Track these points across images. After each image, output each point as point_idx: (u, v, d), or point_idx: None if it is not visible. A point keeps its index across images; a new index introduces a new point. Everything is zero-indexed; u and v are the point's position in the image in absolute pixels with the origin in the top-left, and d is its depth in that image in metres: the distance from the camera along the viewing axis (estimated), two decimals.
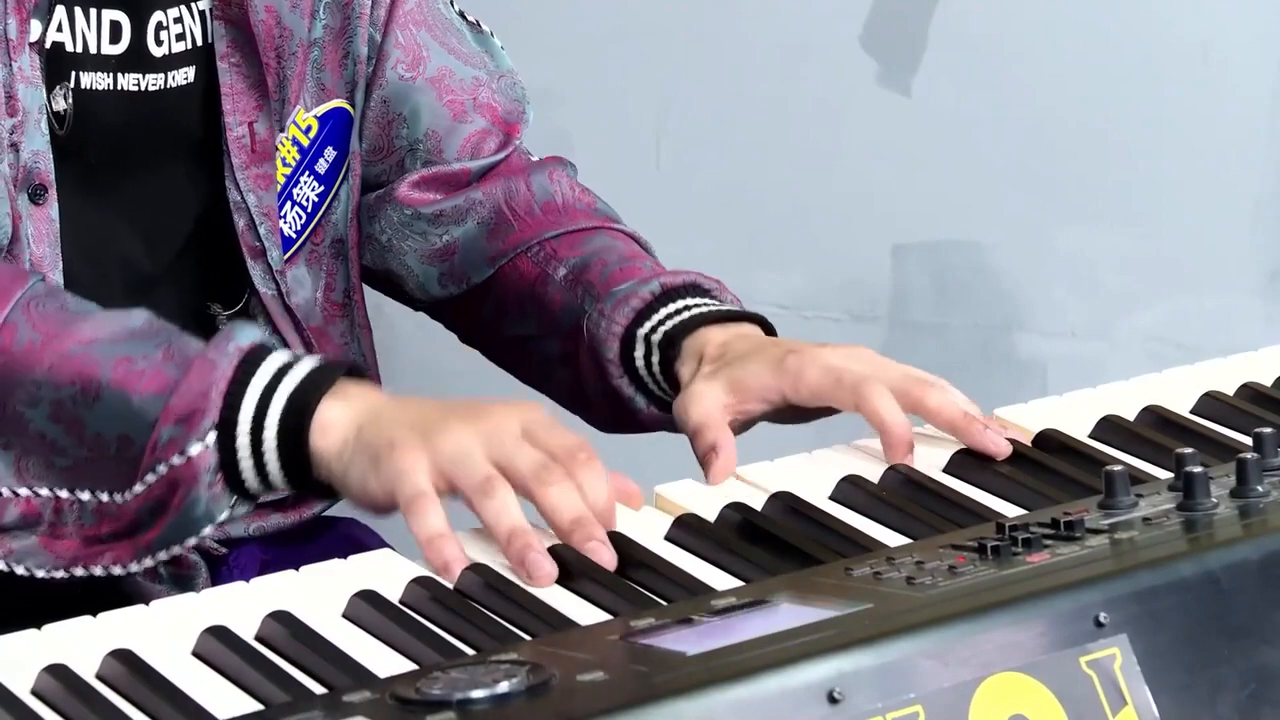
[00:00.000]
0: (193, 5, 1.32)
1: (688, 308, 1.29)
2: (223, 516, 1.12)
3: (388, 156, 1.43)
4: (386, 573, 1.05)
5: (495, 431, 1.09)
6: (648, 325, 1.29)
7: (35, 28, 1.25)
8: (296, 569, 1.06)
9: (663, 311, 1.30)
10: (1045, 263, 2.32)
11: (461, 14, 1.47)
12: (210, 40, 1.33)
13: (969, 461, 1.19)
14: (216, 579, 1.34)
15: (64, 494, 1.15)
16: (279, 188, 1.37)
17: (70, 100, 1.27)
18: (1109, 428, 1.23)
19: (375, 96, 1.42)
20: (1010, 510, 1.13)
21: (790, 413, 1.24)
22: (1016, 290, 2.34)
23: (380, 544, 1.30)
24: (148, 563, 1.13)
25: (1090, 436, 1.23)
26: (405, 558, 1.07)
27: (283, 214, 1.38)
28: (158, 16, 1.30)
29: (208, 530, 1.12)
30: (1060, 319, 2.33)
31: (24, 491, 1.15)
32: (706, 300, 1.31)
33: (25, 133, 1.25)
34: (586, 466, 1.09)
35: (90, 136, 1.29)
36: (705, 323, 1.27)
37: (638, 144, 2.37)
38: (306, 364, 1.13)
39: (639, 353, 1.30)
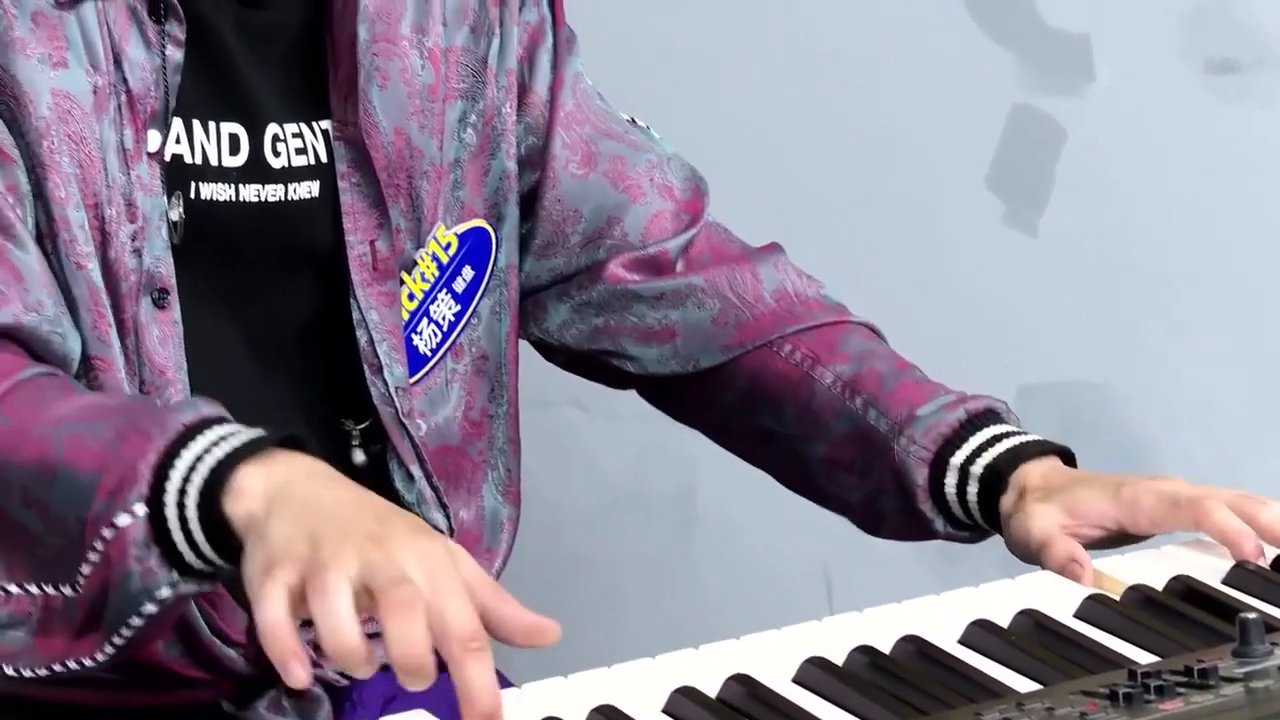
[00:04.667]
0: (314, 125, 1.35)
1: (998, 438, 1.33)
2: (164, 593, 1.08)
3: (564, 250, 1.45)
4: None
5: (383, 568, 0.99)
6: (961, 455, 1.33)
7: (154, 138, 1.28)
8: (423, 702, 1.05)
9: (974, 441, 1.33)
10: (1172, 404, 2.30)
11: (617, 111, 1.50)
12: (332, 159, 1.35)
13: (1100, 607, 1.18)
14: (339, 712, 1.34)
15: (51, 590, 1.11)
16: (416, 304, 1.39)
17: (184, 210, 1.29)
18: (1242, 574, 1.22)
19: (547, 198, 1.44)
20: (1142, 657, 1.12)
21: (1115, 539, 1.27)
22: (1143, 431, 2.32)
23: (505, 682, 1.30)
24: (109, 650, 1.09)
25: (1223, 583, 1.21)
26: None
27: (419, 331, 1.39)
28: (273, 129, 1.33)
29: (151, 608, 1.08)
30: (1188, 461, 2.30)
31: (14, 589, 1.13)
32: (1010, 429, 1.34)
33: (147, 238, 1.27)
34: (474, 655, 0.98)
35: (212, 245, 1.31)
36: (1026, 457, 1.30)
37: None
38: (243, 435, 1.09)
39: (951, 480, 1.33)
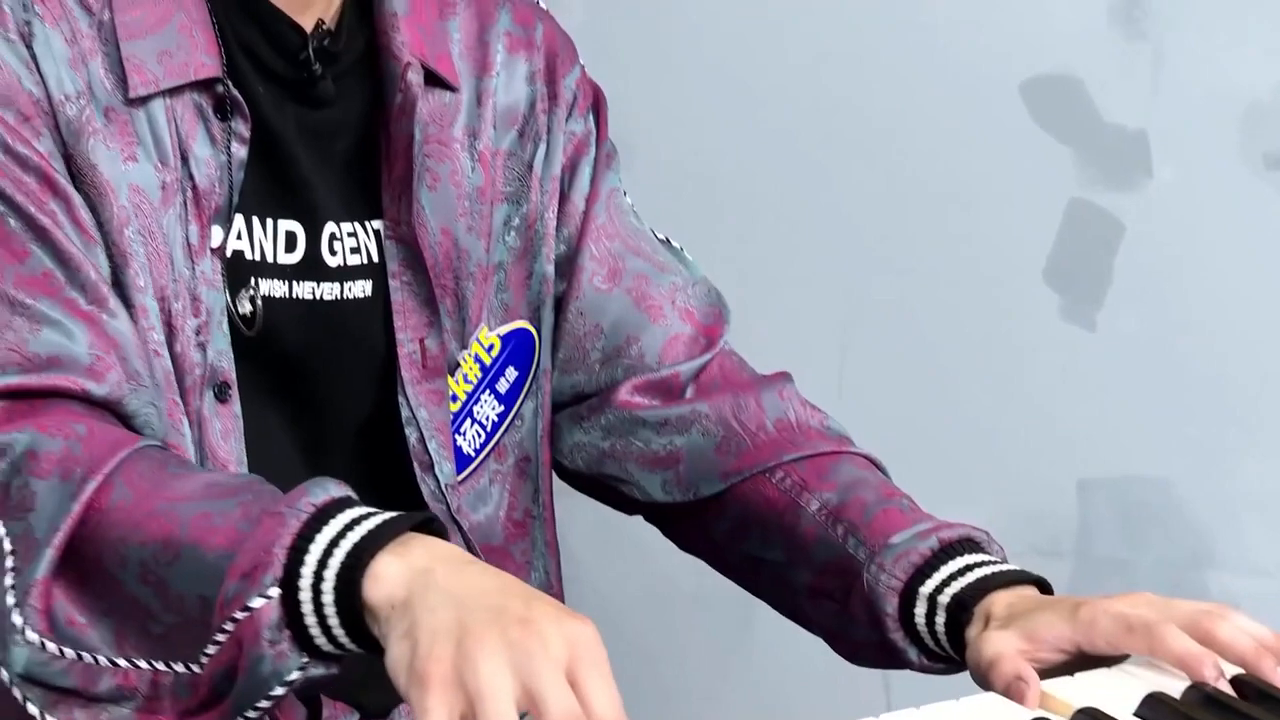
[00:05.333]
0: (368, 224, 1.36)
1: (969, 568, 1.30)
2: (293, 676, 1.08)
3: (584, 366, 1.46)
4: None
5: (535, 654, 1.01)
6: (930, 584, 1.30)
7: (216, 234, 1.30)
8: None
9: (945, 570, 1.31)
10: (1235, 498, 2.29)
11: (651, 229, 1.51)
12: (384, 258, 1.36)
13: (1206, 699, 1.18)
14: None
15: (161, 666, 1.12)
16: (460, 404, 1.40)
17: (254, 304, 1.31)
18: (1197, 694, 1.19)
19: (571, 309, 1.45)
20: None
21: (1077, 662, 1.24)
22: (1205, 526, 2.31)
23: None
24: None
25: (1181, 702, 1.19)
26: None
27: (462, 431, 1.40)
28: (330, 228, 1.35)
29: (279, 690, 1.08)
30: (1252, 556, 2.28)
31: (122, 663, 1.13)
32: (984, 557, 1.32)
33: (210, 333, 1.29)
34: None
35: (266, 340, 1.32)
36: (994, 587, 1.28)
37: (820, 369, 2.38)
38: (377, 518, 1.09)
39: (920, 609, 1.30)
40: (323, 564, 1.07)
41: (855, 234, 2.39)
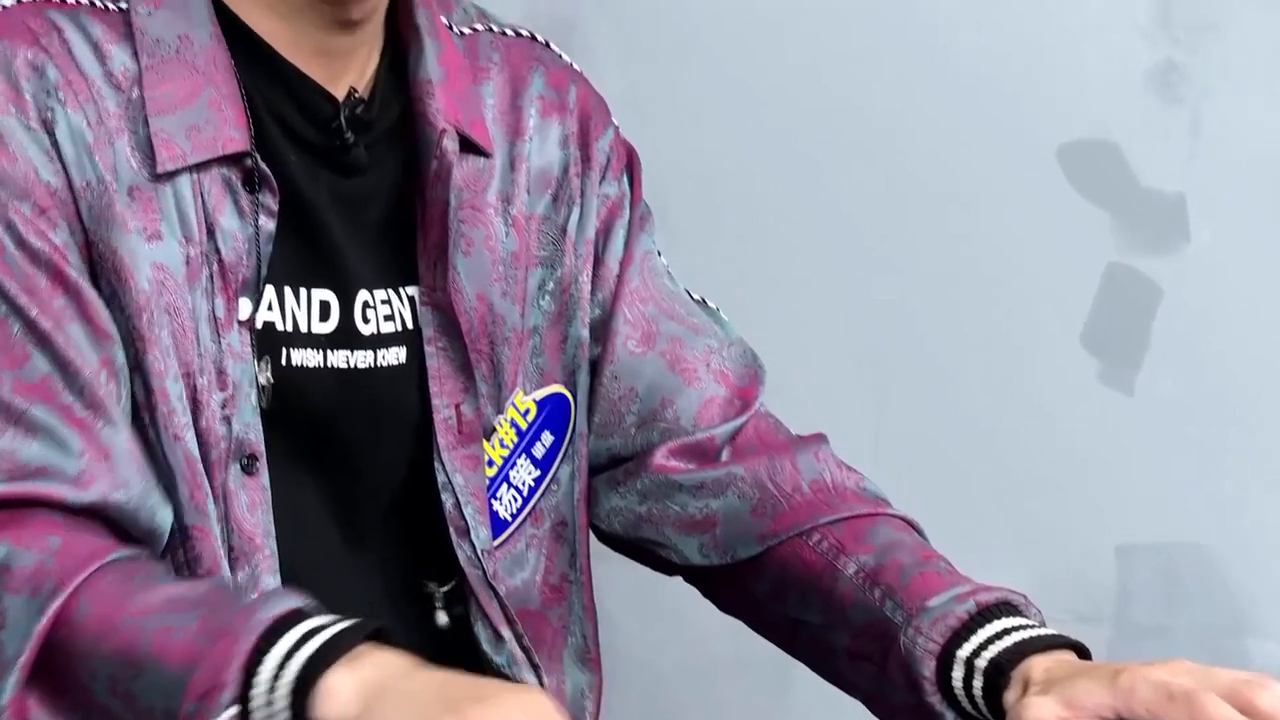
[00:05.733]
0: (401, 290, 1.36)
1: (1007, 631, 1.30)
2: None
3: (620, 430, 1.46)
4: None
5: None
6: (968, 648, 1.29)
7: (244, 306, 1.30)
8: None
9: (982, 634, 1.30)
10: (1275, 563, 2.28)
11: (687, 291, 1.51)
12: (419, 325, 1.36)
13: None
14: None
15: None
16: (496, 469, 1.40)
17: (273, 375, 1.31)
18: None
19: (605, 373, 1.45)
20: None
21: None
22: (1246, 592, 2.29)
23: None
24: None
25: None
26: None
27: (499, 496, 1.40)
28: (363, 296, 1.35)
29: None
30: None
31: None
32: (1022, 621, 1.31)
33: (236, 406, 1.29)
34: None
35: (300, 411, 1.32)
36: (1032, 651, 1.27)
37: (857, 430, 2.38)
38: (330, 630, 1.11)
39: (957, 673, 1.29)
40: (275, 682, 1.10)
41: (892, 295, 2.39)
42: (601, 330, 1.45)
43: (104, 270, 1.26)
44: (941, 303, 2.37)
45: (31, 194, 1.25)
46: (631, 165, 1.50)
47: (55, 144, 1.26)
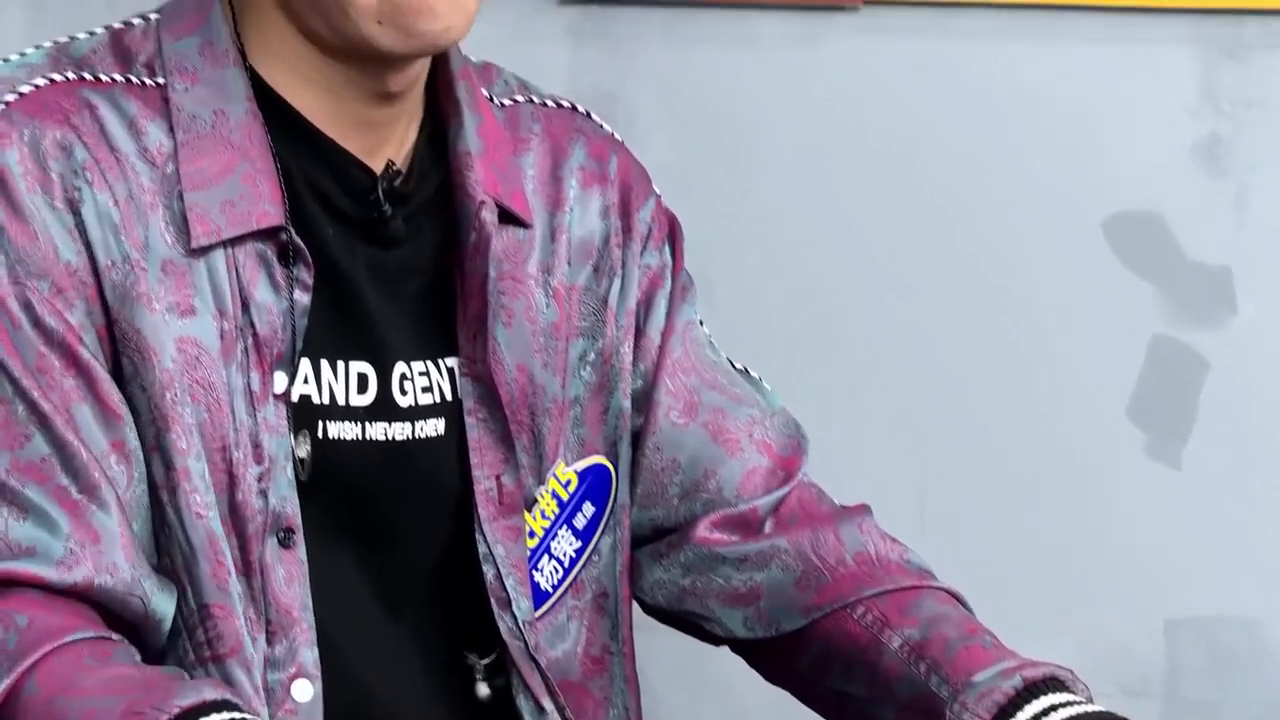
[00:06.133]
0: (440, 362, 1.36)
1: (1054, 708, 1.28)
2: None
3: (662, 501, 1.45)
4: None
5: None
6: None
7: (280, 380, 1.29)
8: None
9: (1029, 710, 1.28)
10: None
11: (729, 360, 1.50)
12: (458, 396, 1.36)
13: None
14: None
15: None
16: (537, 541, 1.39)
17: (310, 449, 1.31)
18: None
19: (648, 444, 1.44)
20: None
21: None
22: None
23: None
24: None
25: None
26: None
27: (540, 567, 1.39)
28: (400, 368, 1.34)
29: None
30: None
31: None
32: (1070, 697, 1.29)
33: (273, 479, 1.29)
34: None
35: (338, 484, 1.32)
36: None
37: (900, 509, 2.37)
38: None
39: None
40: None
41: (938, 367, 2.38)
42: (643, 401, 1.45)
43: (126, 349, 1.26)
44: (988, 375, 2.36)
45: (50, 273, 1.25)
46: (674, 235, 1.49)
47: (80, 223, 1.26)
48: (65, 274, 1.25)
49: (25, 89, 1.28)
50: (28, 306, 1.24)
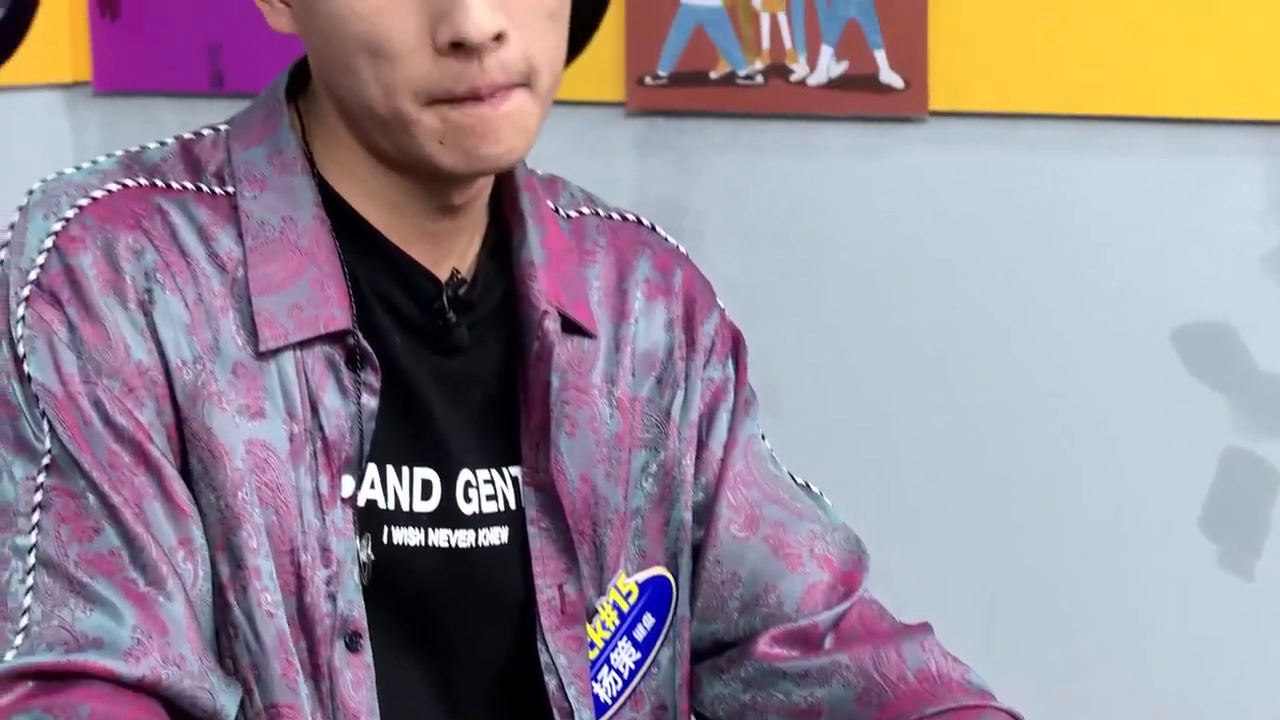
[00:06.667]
0: (504, 470, 1.36)
1: None
2: None
3: (722, 615, 1.44)
4: None
5: None
6: None
7: (347, 484, 1.30)
8: None
9: None
10: None
11: (790, 475, 1.50)
12: (522, 505, 1.36)
13: None
14: None
15: None
16: (597, 652, 1.39)
17: (373, 553, 1.31)
18: None
19: (708, 557, 1.43)
20: None
21: None
22: None
23: None
24: None
25: None
26: None
27: (599, 679, 1.39)
28: (465, 476, 1.35)
29: None
30: None
31: None
32: None
33: (340, 583, 1.29)
34: None
35: (401, 589, 1.32)
36: None
37: (969, 620, 2.36)
38: None
39: None
40: None
41: (1006, 478, 2.38)
42: (704, 514, 1.44)
43: (195, 448, 1.27)
44: (1057, 486, 2.35)
45: (121, 373, 1.26)
46: (737, 349, 1.49)
47: (152, 324, 1.27)
48: (136, 373, 1.26)
49: (98, 193, 1.30)
50: (98, 405, 1.25)
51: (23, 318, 1.26)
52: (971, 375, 2.39)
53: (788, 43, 2.43)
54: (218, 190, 1.32)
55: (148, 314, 1.27)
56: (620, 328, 1.43)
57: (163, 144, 1.35)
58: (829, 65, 2.41)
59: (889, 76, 2.38)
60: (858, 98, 2.40)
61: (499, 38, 1.24)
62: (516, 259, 1.38)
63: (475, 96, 1.25)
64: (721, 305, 1.50)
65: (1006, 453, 2.38)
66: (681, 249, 1.50)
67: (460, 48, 1.23)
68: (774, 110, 2.45)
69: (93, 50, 2.96)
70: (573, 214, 1.46)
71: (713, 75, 2.48)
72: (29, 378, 1.25)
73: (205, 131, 1.36)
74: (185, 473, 1.28)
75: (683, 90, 2.49)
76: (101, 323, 1.26)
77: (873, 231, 2.42)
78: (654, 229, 1.50)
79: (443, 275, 1.35)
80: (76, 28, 2.96)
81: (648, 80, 2.50)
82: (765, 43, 2.44)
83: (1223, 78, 2.22)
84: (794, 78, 2.43)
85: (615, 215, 1.48)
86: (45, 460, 1.25)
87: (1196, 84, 2.23)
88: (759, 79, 2.45)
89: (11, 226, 1.30)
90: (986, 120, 2.34)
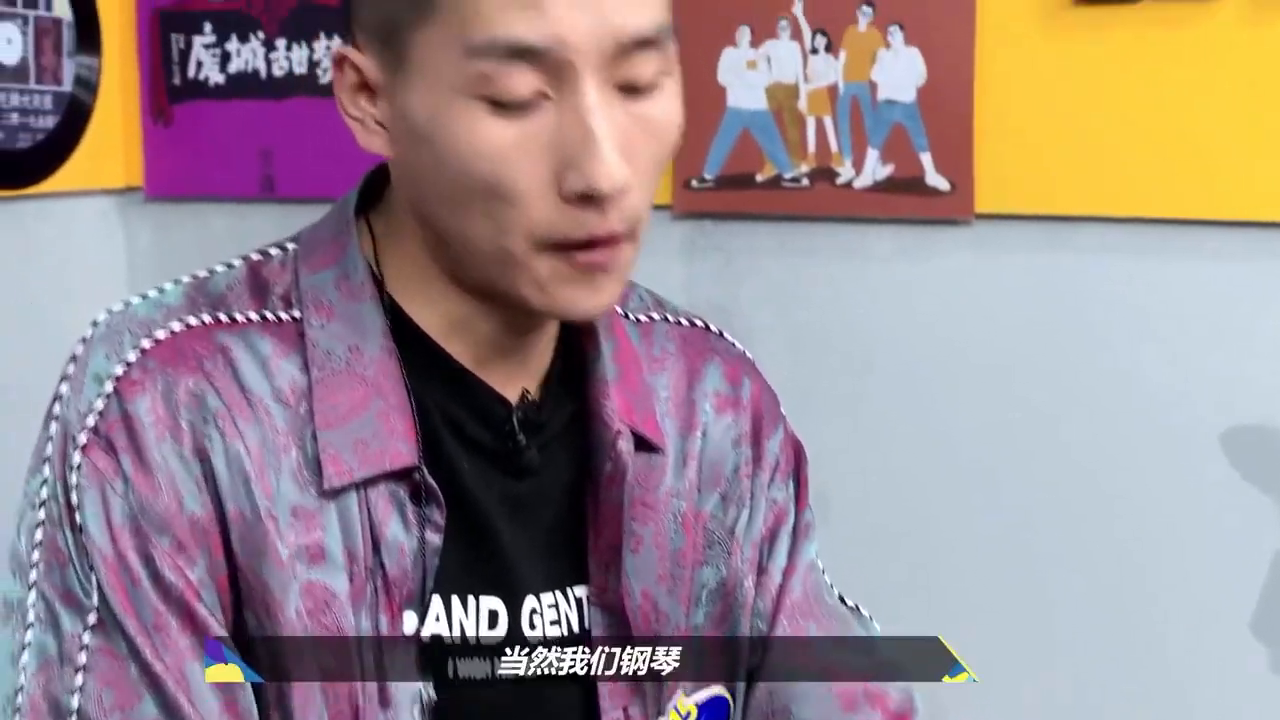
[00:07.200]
0: (569, 591, 1.34)
1: None
2: None
3: None
4: None
5: None
6: None
7: (410, 620, 1.27)
8: None
9: None
10: None
11: (841, 597, 1.48)
12: (585, 625, 1.34)
13: None
14: None
15: None
16: None
17: (438, 688, 1.28)
18: None
19: (761, 688, 1.42)
20: None
21: None
22: None
23: None
24: None
25: None
26: None
27: None
28: (530, 602, 1.32)
29: None
30: None
31: None
32: None
33: None
34: None
35: None
36: None
37: None
38: None
39: None
40: None
41: (1052, 584, 2.36)
42: (760, 642, 1.42)
43: (251, 600, 1.24)
44: (1105, 592, 2.34)
45: (172, 527, 1.23)
46: (799, 467, 1.47)
47: (209, 472, 1.23)
48: (188, 528, 1.23)
49: (161, 334, 1.26)
50: (148, 561, 1.22)
51: (78, 465, 1.23)
52: (1019, 479, 2.38)
53: (833, 145, 2.44)
54: (284, 316, 1.29)
55: (205, 461, 1.24)
56: (687, 440, 1.41)
57: (230, 266, 1.32)
58: (875, 168, 2.42)
59: (935, 179, 2.38)
60: (904, 200, 2.40)
61: (624, 188, 1.21)
62: (589, 375, 1.36)
63: (590, 244, 1.22)
64: (785, 415, 1.48)
65: (1054, 556, 2.36)
66: (748, 355, 1.49)
67: (588, 197, 1.20)
68: (820, 213, 2.46)
69: (145, 156, 2.99)
70: (642, 318, 1.44)
71: (759, 178, 2.49)
72: (80, 528, 1.23)
73: (273, 251, 1.33)
74: (239, 625, 1.25)
75: (729, 193, 2.50)
76: (156, 474, 1.23)
77: (919, 334, 2.42)
78: (721, 335, 1.48)
79: (513, 395, 1.32)
80: (129, 134, 2.99)
81: (694, 183, 2.51)
82: (811, 146, 2.45)
83: (1271, 181, 2.22)
84: (840, 180, 2.44)
85: (684, 321, 1.47)
86: (91, 618, 1.22)
87: (1245, 187, 2.23)
88: (805, 181, 2.46)
89: (73, 359, 1.27)
90: (1032, 223, 2.35)
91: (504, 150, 1.19)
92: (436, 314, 1.30)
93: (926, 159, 2.39)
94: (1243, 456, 2.27)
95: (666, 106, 1.24)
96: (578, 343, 1.37)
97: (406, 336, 1.30)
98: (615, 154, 1.20)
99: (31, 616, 1.24)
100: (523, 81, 1.18)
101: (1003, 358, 2.38)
